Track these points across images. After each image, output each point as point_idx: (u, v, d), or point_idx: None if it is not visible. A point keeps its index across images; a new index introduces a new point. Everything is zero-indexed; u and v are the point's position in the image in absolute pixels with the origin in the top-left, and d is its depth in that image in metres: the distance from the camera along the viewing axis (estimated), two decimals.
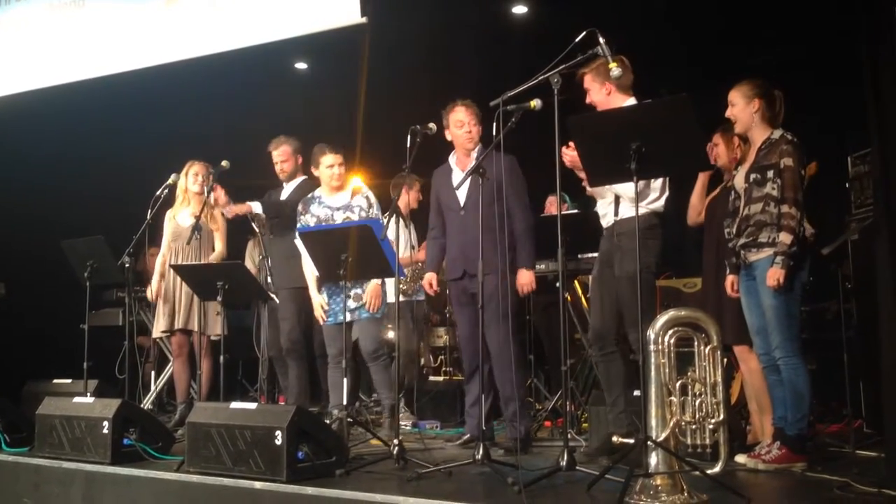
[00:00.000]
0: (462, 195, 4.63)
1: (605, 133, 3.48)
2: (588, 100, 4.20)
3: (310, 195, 5.28)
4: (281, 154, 5.65)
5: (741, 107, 3.98)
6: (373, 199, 5.16)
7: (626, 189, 3.94)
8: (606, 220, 4.21)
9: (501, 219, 4.24)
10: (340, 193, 5.20)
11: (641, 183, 3.91)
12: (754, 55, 6.17)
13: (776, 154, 3.87)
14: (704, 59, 6.53)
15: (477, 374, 4.56)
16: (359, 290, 5.00)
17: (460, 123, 4.65)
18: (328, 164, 5.14)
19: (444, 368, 6.64)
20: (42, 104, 6.75)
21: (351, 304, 4.97)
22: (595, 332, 4.22)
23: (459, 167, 4.69)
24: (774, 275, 3.77)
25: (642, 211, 4.01)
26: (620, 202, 4.12)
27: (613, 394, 4.18)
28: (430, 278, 4.84)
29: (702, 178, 4.67)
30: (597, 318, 4.21)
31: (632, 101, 4.12)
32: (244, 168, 5.67)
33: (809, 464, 3.78)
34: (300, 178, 5.69)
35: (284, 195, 5.64)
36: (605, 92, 4.17)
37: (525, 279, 4.57)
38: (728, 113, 4.03)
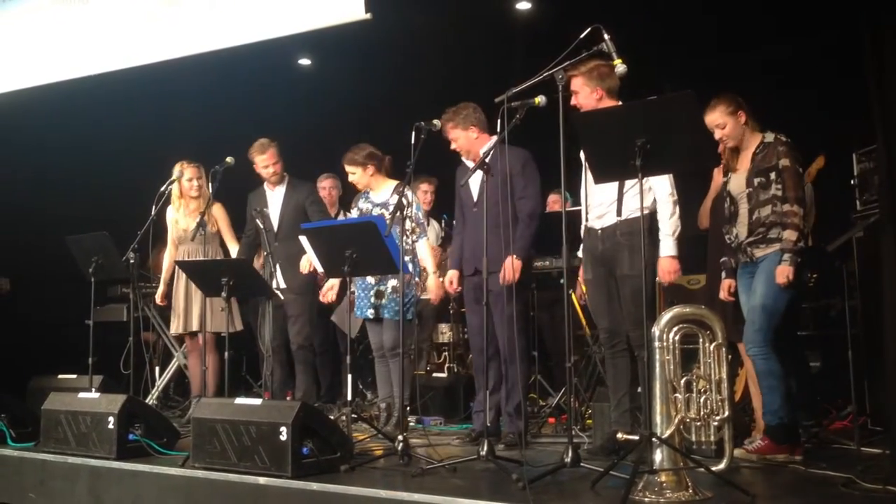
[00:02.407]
0: (475, 191, 4.60)
1: (610, 129, 3.48)
2: (574, 101, 4.15)
3: (363, 191, 5.35)
4: (271, 157, 5.63)
5: (731, 125, 4.03)
6: (410, 198, 5.07)
7: (657, 184, 3.98)
8: (604, 221, 4.17)
9: (506, 215, 4.23)
10: (384, 190, 5.23)
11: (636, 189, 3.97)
12: (760, 51, 6.16)
13: (774, 156, 3.95)
14: (709, 56, 6.52)
15: (482, 370, 4.56)
16: (382, 288, 5.05)
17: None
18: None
19: (447, 365, 6.64)
20: (48, 100, 6.76)
21: (375, 301, 5.06)
22: (608, 331, 4.21)
23: (473, 163, 4.61)
24: (784, 272, 3.82)
25: (637, 214, 4.03)
26: (624, 202, 4.10)
27: (619, 392, 4.18)
28: (451, 276, 4.80)
29: (716, 182, 4.66)
30: (607, 317, 4.19)
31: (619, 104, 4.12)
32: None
33: (813, 460, 3.80)
34: (287, 180, 5.70)
35: (276, 199, 5.63)
36: (596, 97, 4.15)
37: (509, 266, 4.36)
38: (719, 135, 4.04)
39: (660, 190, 4.05)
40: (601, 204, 4.18)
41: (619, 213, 4.13)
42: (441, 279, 5.12)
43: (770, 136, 4.01)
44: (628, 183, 4.04)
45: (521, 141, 4.64)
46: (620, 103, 4.12)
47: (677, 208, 4.08)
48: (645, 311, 3.41)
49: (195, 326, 5.73)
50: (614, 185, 4.09)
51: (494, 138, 4.29)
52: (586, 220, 4.27)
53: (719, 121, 4.03)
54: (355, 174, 5.23)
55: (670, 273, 4.04)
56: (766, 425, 3.91)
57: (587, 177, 4.17)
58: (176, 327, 5.87)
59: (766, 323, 3.87)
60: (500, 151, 4.27)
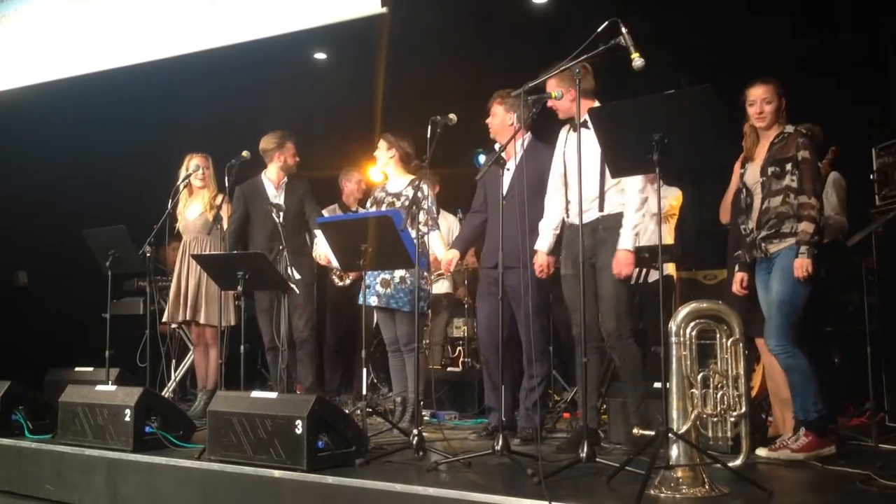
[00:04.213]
0: (505, 184, 4.53)
1: (628, 123, 3.46)
2: (550, 103, 4.13)
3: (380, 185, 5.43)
4: (292, 148, 5.65)
5: (777, 104, 3.98)
6: (426, 192, 5.02)
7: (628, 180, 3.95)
8: (586, 216, 4.01)
9: (533, 212, 4.19)
10: (400, 180, 5.26)
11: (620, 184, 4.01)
12: (778, 45, 6.11)
13: (792, 147, 3.91)
14: (727, 50, 6.48)
15: (495, 365, 4.56)
16: (387, 276, 5.06)
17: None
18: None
19: (462, 359, 6.65)
20: (64, 94, 6.79)
21: (380, 289, 5.04)
22: (581, 326, 4.14)
23: (504, 154, 4.61)
24: (802, 265, 3.78)
25: (618, 210, 4.05)
26: (606, 197, 4.09)
27: (589, 388, 4.15)
28: (451, 256, 4.81)
29: (737, 176, 4.61)
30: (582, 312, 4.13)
31: (595, 104, 4.07)
32: (261, 158, 5.68)
33: (832, 457, 3.76)
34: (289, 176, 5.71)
35: (280, 194, 5.62)
36: (570, 98, 4.11)
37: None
38: (761, 109, 3.98)
39: (630, 186, 4.06)
40: (584, 199, 4.11)
41: (601, 208, 4.11)
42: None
43: (790, 128, 3.98)
44: (610, 179, 4.03)
45: (536, 135, 4.64)
46: (596, 102, 4.10)
47: (645, 206, 4.09)
48: (661, 307, 3.37)
49: (189, 316, 5.75)
50: (595, 180, 4.07)
51: (526, 136, 4.29)
52: (567, 215, 4.24)
53: (767, 95, 3.97)
54: (380, 150, 5.27)
55: (625, 266, 4.02)
56: (806, 422, 3.83)
57: (566, 172, 4.18)
58: (167, 316, 5.86)
59: (785, 319, 3.83)
60: (533, 150, 4.26)
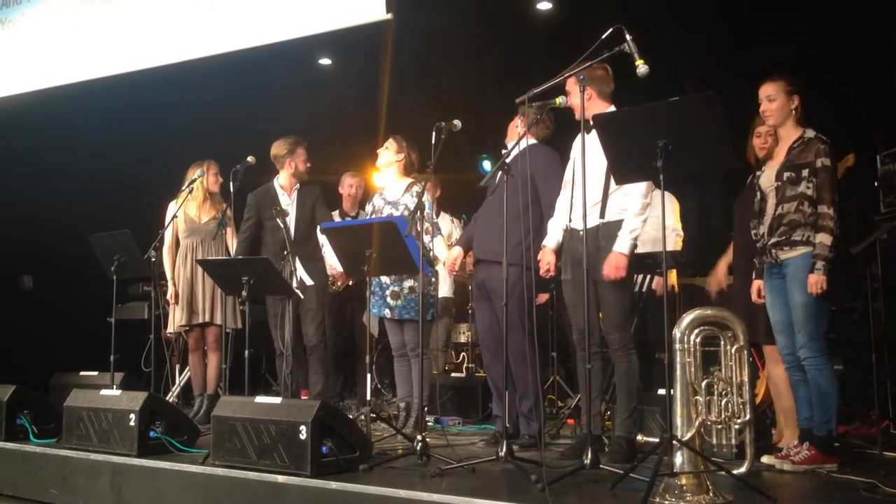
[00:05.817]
0: (494, 180, 4.60)
1: (632, 130, 3.46)
2: (568, 102, 4.08)
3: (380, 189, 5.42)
4: (303, 154, 5.65)
5: (781, 102, 3.89)
6: (426, 196, 5.04)
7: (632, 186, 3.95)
8: (588, 221, 3.94)
9: (515, 208, 4.12)
10: (397, 187, 5.23)
11: (622, 189, 3.98)
12: (781, 49, 6.11)
13: (811, 153, 3.81)
14: (730, 54, 6.48)
15: (498, 370, 4.56)
16: (396, 288, 5.06)
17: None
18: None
19: (466, 365, 6.65)
20: (67, 101, 6.82)
21: (391, 301, 5.05)
22: (583, 333, 4.13)
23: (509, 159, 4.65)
24: (818, 282, 3.70)
25: (620, 217, 4.03)
26: (608, 204, 4.06)
27: (593, 394, 4.13)
28: (456, 254, 4.82)
29: None
30: (583, 318, 4.11)
31: (611, 108, 4.11)
32: (268, 163, 5.70)
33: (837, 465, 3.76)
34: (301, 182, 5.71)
35: (293, 200, 5.61)
36: (586, 97, 4.10)
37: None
38: (766, 107, 3.92)
39: (635, 190, 4.01)
40: (587, 204, 4.09)
41: (602, 214, 4.07)
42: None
43: (811, 133, 3.87)
44: (613, 185, 4.01)
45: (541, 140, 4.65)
46: (612, 106, 4.10)
47: (647, 211, 4.03)
48: (665, 313, 3.37)
49: (207, 318, 5.77)
50: (599, 185, 4.04)
51: (528, 140, 4.32)
52: (569, 220, 4.21)
53: (771, 92, 3.89)
54: (388, 150, 5.24)
55: (615, 269, 3.97)
56: (811, 435, 3.79)
57: (574, 175, 4.13)
58: (185, 319, 5.84)
59: (816, 331, 3.75)
60: (530, 152, 4.29)
